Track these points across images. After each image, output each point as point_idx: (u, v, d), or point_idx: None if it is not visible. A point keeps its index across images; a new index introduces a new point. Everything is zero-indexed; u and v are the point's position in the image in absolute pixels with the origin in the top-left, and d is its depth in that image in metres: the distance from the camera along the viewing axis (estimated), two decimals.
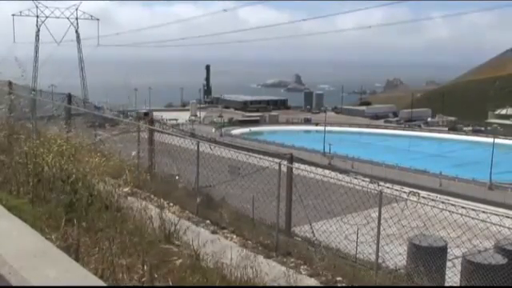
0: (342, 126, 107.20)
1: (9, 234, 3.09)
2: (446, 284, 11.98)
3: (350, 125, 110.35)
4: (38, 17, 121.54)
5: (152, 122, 14.52)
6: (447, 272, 12.48)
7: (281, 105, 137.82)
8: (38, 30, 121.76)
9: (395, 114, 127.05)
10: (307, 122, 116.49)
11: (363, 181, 10.91)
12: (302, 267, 8.65)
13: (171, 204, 10.56)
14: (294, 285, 7.57)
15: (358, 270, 9.35)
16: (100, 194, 7.45)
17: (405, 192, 10.63)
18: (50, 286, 2.42)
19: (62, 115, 15.53)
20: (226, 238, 9.59)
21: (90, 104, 21.08)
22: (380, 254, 9.24)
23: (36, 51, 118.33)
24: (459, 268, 12.31)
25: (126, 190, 8.73)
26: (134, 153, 12.51)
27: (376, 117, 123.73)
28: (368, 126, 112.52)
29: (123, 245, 5.55)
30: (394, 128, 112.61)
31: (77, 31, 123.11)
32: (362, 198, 10.99)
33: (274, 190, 10.54)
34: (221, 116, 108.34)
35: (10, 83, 15.82)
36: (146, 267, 5.03)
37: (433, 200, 10.24)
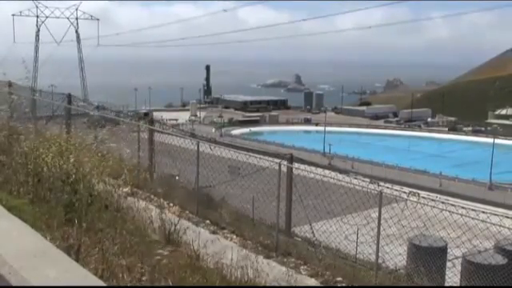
0: (341, 126, 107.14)
1: (9, 234, 3.09)
2: (446, 284, 11.98)
3: (350, 125, 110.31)
4: (38, 17, 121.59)
5: (152, 122, 14.53)
6: (447, 272, 12.49)
7: (281, 105, 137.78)
8: (38, 30, 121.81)
9: (395, 115, 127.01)
10: (307, 122, 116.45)
11: (363, 181, 10.91)
12: (302, 267, 8.65)
13: (171, 204, 10.56)
14: (294, 285, 7.57)
15: (358, 270, 9.35)
16: (100, 194, 7.45)
17: (405, 192, 10.64)
18: (50, 286, 2.42)
19: (62, 115, 15.54)
20: (226, 238, 9.59)
21: (89, 105, 21.08)
22: (380, 254, 9.24)
23: (36, 51, 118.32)
24: (459, 268, 12.32)
25: (125, 190, 8.74)
26: (126, 153, 12.48)
27: (376, 117, 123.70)
28: (368, 127, 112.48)
29: (123, 245, 5.55)
30: (394, 128, 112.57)
31: (77, 31, 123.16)
32: (362, 198, 10.99)
33: (273, 190, 10.54)
34: (221, 116, 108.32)
35: (9, 83, 15.83)
36: (146, 267, 5.03)
37: (433, 200, 10.24)
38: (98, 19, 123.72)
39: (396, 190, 10.20)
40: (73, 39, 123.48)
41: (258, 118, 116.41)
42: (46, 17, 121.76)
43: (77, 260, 3.76)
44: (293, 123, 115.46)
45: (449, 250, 13.13)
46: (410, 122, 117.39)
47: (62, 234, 5.00)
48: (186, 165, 12.41)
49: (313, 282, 8.19)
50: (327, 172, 11.43)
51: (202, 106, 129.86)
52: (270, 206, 11.05)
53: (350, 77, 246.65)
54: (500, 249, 12.30)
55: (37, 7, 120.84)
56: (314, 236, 11.06)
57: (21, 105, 13.66)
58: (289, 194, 10.81)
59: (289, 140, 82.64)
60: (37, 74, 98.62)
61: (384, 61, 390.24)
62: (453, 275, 12.40)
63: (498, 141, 72.30)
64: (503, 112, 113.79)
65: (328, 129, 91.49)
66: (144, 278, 4.80)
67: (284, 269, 8.23)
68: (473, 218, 8.78)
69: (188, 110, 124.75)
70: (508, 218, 9.21)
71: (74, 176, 7.14)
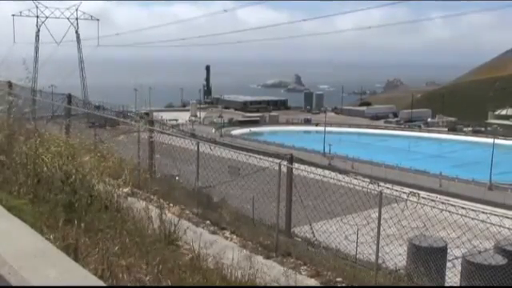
0: (341, 126, 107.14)
1: (8, 234, 3.09)
2: (446, 284, 11.99)
3: (350, 125, 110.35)
4: (38, 17, 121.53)
5: (152, 122, 14.53)
6: (447, 272, 12.49)
7: (281, 105, 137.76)
8: (38, 31, 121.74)
9: (395, 115, 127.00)
10: (307, 122, 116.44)
11: (363, 181, 10.91)
12: (301, 268, 8.65)
13: (171, 204, 10.56)
14: (294, 285, 7.57)
15: (358, 270, 9.35)
16: (100, 194, 7.45)
17: (405, 192, 10.63)
18: (49, 286, 2.42)
19: (62, 115, 15.54)
20: (226, 238, 9.59)
21: (89, 105, 21.08)
22: (380, 254, 9.24)
23: (36, 51, 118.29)
24: (459, 268, 12.33)
25: (125, 190, 8.74)
26: (125, 154, 12.48)
27: (376, 117, 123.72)
28: (368, 127, 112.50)
29: (123, 245, 5.55)
30: (394, 128, 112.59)
31: (77, 31, 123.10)
32: (362, 198, 10.98)
33: (273, 191, 10.54)
34: (221, 116, 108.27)
35: (9, 83, 15.82)
36: (147, 267, 5.03)
37: (432, 200, 10.23)
38: (97, 19, 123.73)
39: (396, 191, 10.20)
40: (73, 39, 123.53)
41: (258, 119, 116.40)
42: (46, 17, 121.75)
43: (76, 260, 3.76)
44: (293, 123, 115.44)
45: (449, 251, 13.13)
46: (409, 123, 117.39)
47: (61, 235, 4.99)
48: (186, 165, 12.41)
49: (313, 282, 8.19)
50: (327, 172, 11.43)
51: (201, 106, 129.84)
52: (270, 207, 11.05)
53: (350, 77, 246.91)
54: (500, 249, 12.30)
55: (37, 7, 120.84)
56: (314, 236, 11.06)
57: (19, 105, 13.65)
58: (289, 195, 10.81)
59: (289, 140, 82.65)
60: (37, 75, 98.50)
61: (384, 61, 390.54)
62: (453, 275, 12.41)
63: (497, 141, 72.30)
64: (503, 112, 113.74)
65: (328, 129, 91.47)
66: (147, 278, 4.79)
67: (284, 269, 8.23)
68: (473, 219, 8.77)
69: (188, 110, 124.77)
70: (508, 218, 9.21)
71: (73, 176, 7.15)
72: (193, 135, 19.26)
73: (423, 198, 9.81)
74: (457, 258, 13.57)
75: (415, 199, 9.49)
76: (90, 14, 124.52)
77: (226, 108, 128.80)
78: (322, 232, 11.23)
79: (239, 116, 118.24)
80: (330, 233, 11.22)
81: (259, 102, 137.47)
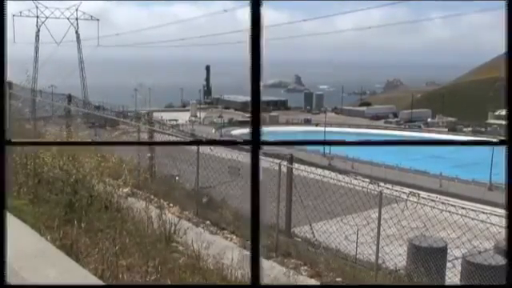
0: (341, 126, 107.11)
1: (9, 235, 3.08)
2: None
3: (350, 125, 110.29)
4: (38, 17, 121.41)
5: (152, 122, 14.53)
6: (447, 273, 12.48)
7: (281, 105, 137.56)
8: (38, 31, 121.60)
9: (395, 115, 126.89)
10: (307, 122, 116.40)
11: (363, 181, 10.91)
12: (301, 268, 8.64)
13: (171, 205, 10.56)
14: (294, 285, 7.56)
15: (359, 270, 9.35)
16: (100, 194, 7.46)
17: (405, 193, 10.63)
18: (50, 285, 2.42)
19: (62, 116, 15.54)
20: (226, 238, 9.59)
21: (89, 105, 21.09)
22: (380, 254, 9.24)
23: (36, 52, 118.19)
24: (459, 269, 12.31)
25: (125, 190, 8.74)
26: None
27: (376, 117, 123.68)
28: (368, 127, 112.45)
29: (123, 245, 5.55)
30: (394, 129, 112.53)
31: (77, 31, 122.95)
32: (362, 198, 10.98)
33: (273, 191, 10.54)
34: (221, 116, 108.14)
35: (9, 84, 15.81)
36: (147, 267, 5.03)
37: (432, 201, 10.23)
38: (97, 19, 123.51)
39: (396, 191, 10.20)
40: (73, 39, 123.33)
41: None
42: (46, 17, 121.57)
43: (76, 260, 3.76)
44: (293, 124, 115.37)
45: (449, 251, 13.11)
46: (410, 123, 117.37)
47: (61, 235, 5.00)
48: (186, 165, 12.41)
49: (313, 282, 8.19)
50: (327, 172, 11.43)
51: (202, 106, 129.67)
52: (270, 207, 11.04)
53: (350, 77, 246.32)
54: (500, 249, 12.27)
55: (37, 7, 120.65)
56: (314, 236, 11.05)
57: (19, 106, 13.65)
58: (289, 195, 10.81)
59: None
60: (37, 75, 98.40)
61: (384, 61, 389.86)
62: (453, 276, 12.39)
63: None
64: (503, 112, 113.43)
65: (328, 129, 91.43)
66: (147, 278, 4.79)
67: (284, 269, 8.22)
68: (473, 219, 8.79)
69: (188, 110, 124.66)
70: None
71: (74, 176, 7.15)
72: (193, 135, 19.26)
73: (423, 198, 9.81)
74: (457, 258, 13.56)
75: (415, 199, 9.49)
76: (89, 14, 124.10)
77: (226, 108, 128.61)
78: (322, 232, 11.23)
79: (239, 116, 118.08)
80: (330, 233, 11.21)
81: None
